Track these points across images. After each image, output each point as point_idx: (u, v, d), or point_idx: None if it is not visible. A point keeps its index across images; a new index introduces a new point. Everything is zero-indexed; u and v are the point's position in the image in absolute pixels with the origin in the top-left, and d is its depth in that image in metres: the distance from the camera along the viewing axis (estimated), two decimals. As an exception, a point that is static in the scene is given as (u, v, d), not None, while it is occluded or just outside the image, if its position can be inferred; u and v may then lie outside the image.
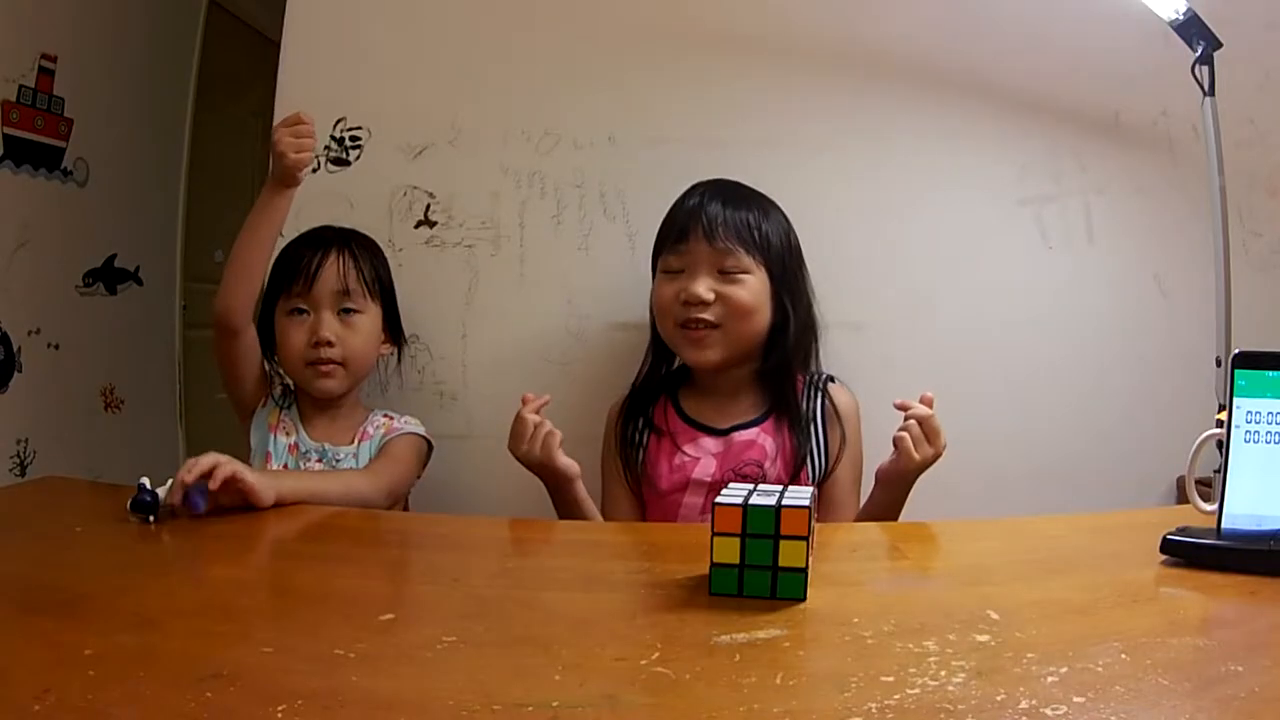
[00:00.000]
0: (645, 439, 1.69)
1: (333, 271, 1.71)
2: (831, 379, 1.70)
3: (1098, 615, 0.85)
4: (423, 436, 1.76)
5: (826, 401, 1.66)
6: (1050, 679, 0.69)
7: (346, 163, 2.06)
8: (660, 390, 1.73)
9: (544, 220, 2.03)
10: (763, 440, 1.63)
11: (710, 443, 1.64)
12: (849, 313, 1.91)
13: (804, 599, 0.89)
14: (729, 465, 1.62)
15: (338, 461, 1.71)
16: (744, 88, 2.01)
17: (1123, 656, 0.73)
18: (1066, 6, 2.01)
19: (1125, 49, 1.99)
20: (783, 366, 1.65)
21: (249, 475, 1.29)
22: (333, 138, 2.05)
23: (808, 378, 1.70)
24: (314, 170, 2.02)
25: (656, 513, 1.65)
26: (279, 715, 0.64)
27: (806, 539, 0.89)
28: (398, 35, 2.07)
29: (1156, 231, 2.04)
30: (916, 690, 0.68)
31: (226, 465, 1.27)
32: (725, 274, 1.59)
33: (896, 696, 0.67)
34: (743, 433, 1.64)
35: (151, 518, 1.23)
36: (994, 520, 1.25)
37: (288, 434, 1.73)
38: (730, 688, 0.69)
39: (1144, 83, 2.01)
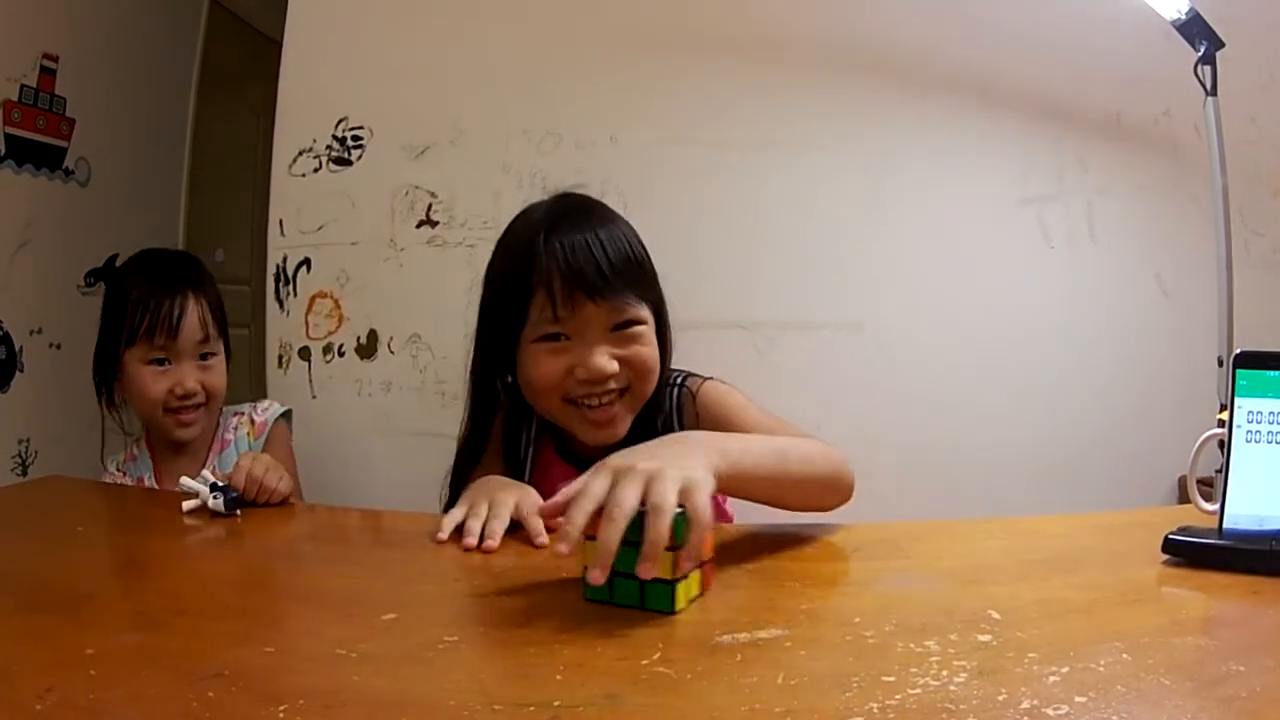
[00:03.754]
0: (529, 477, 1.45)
1: (194, 320, 1.71)
2: (686, 379, 1.47)
3: (1099, 615, 0.85)
4: (283, 414, 1.83)
5: (686, 403, 1.44)
6: (1052, 679, 0.69)
7: (348, 162, 2.06)
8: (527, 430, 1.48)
9: (545, 220, 2.02)
10: None
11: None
12: (849, 313, 1.91)
13: (672, 611, 0.85)
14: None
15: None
16: (745, 88, 2.01)
17: (1124, 656, 0.73)
18: (1068, 6, 2.01)
19: (1127, 49, 1.99)
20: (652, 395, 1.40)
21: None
22: (334, 137, 2.06)
23: (668, 385, 1.46)
24: (316, 171, 2.02)
25: None
26: (281, 715, 0.64)
27: (674, 549, 0.85)
28: (400, 35, 2.07)
29: (1158, 231, 2.04)
30: (918, 690, 0.68)
31: (285, 485, 1.34)
32: (619, 329, 1.33)
33: (898, 696, 0.67)
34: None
35: (238, 512, 1.26)
36: (995, 519, 1.25)
37: (138, 478, 1.75)
38: (731, 687, 0.69)
39: (1146, 83, 2.01)
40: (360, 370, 2.17)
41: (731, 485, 1.02)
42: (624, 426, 1.36)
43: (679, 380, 1.46)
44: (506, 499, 1.15)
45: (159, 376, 1.69)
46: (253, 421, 1.79)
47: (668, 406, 1.43)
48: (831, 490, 1.20)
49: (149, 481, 1.76)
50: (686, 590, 0.87)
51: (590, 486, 0.89)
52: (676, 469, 0.89)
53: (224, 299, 1.82)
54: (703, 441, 1.04)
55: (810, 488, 1.17)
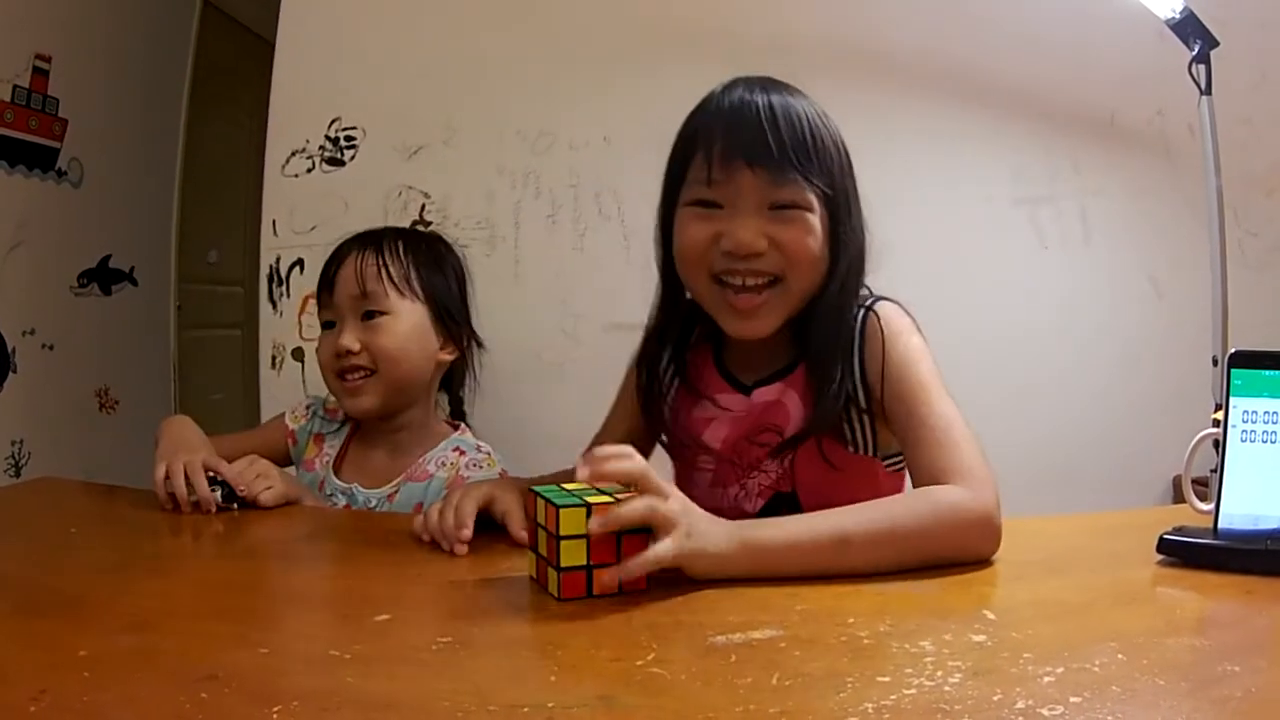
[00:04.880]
0: (673, 388, 1.36)
1: (349, 274, 1.53)
2: (875, 302, 1.28)
3: (1094, 615, 0.85)
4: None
5: (864, 329, 1.24)
6: (1047, 679, 0.69)
7: (341, 163, 2.06)
8: (691, 332, 1.36)
9: (539, 220, 2.03)
10: (787, 398, 1.26)
11: (733, 400, 1.30)
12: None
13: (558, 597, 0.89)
14: (742, 433, 1.28)
15: (370, 507, 1.54)
16: (740, 88, 2.01)
17: (1119, 656, 0.73)
18: (1062, 6, 2.01)
19: (1120, 48, 1.99)
20: (824, 311, 1.23)
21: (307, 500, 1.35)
22: (327, 138, 2.05)
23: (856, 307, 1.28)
24: (309, 171, 2.02)
25: (680, 475, 1.38)
26: (275, 716, 0.64)
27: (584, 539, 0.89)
28: (392, 35, 2.07)
29: (1152, 232, 2.05)
30: (913, 690, 0.68)
31: (269, 496, 1.31)
32: (778, 209, 1.19)
33: (893, 697, 0.67)
34: (765, 389, 1.28)
35: (235, 505, 1.28)
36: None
37: (318, 470, 1.61)
38: (726, 688, 0.69)
39: (1139, 82, 2.01)
40: (354, 371, 2.16)
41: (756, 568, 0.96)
42: (770, 322, 1.21)
43: (869, 304, 1.26)
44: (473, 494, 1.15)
45: (326, 339, 1.55)
46: (457, 475, 1.54)
47: (848, 334, 1.24)
48: (946, 552, 1.01)
49: (330, 450, 1.61)
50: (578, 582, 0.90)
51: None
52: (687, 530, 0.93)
53: (221, 300, 1.78)
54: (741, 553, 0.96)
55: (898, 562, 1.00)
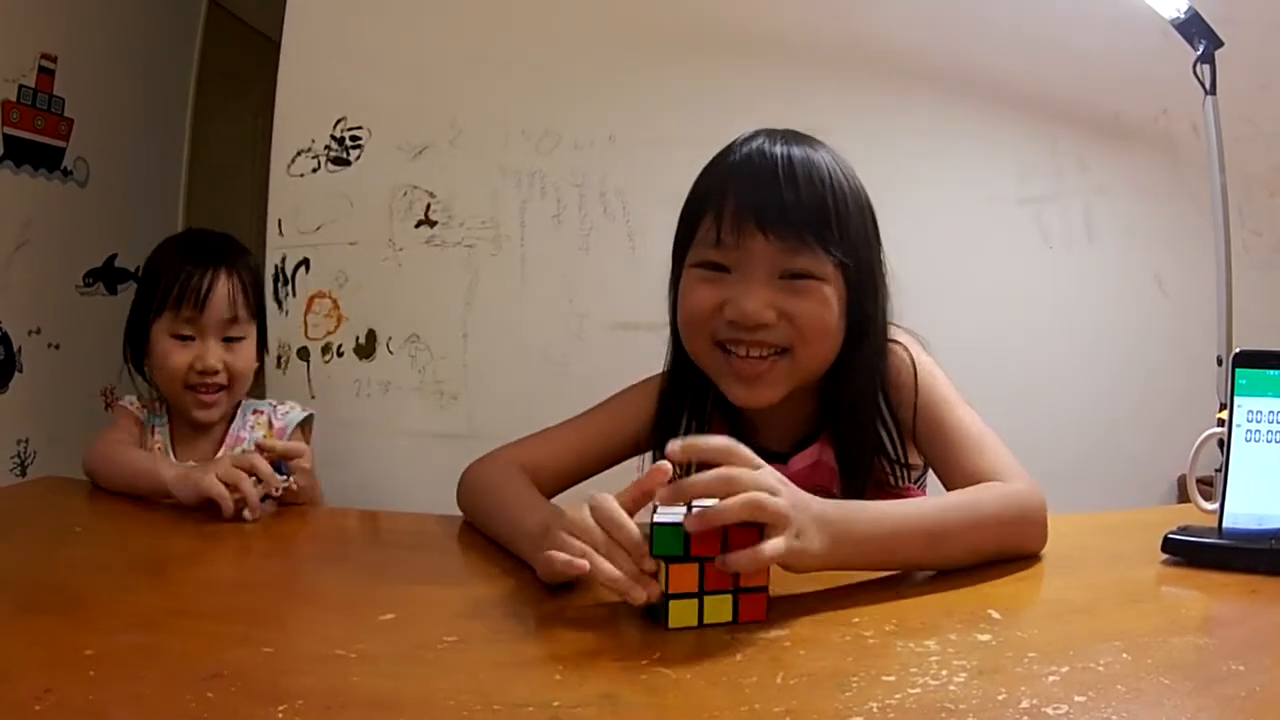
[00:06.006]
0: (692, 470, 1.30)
1: (223, 296, 1.66)
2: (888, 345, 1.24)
3: (1099, 614, 0.85)
4: (304, 419, 1.77)
5: (887, 372, 1.21)
6: (1051, 678, 0.69)
7: (346, 162, 2.06)
8: (706, 398, 1.28)
9: (544, 220, 2.03)
10: (825, 456, 1.23)
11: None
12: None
13: (664, 625, 0.81)
14: None
15: None
16: (743, 88, 2.01)
17: (1124, 656, 0.73)
18: (1067, 6, 2.01)
19: (1125, 48, 1.99)
20: (847, 384, 1.19)
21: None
22: (333, 137, 2.06)
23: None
24: (314, 171, 2.02)
25: None
26: (279, 715, 0.64)
27: (669, 559, 0.81)
28: (398, 35, 2.07)
29: (1157, 231, 2.04)
30: (918, 690, 0.68)
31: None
32: (791, 279, 1.11)
33: (898, 696, 0.67)
34: (802, 456, 1.24)
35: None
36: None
37: (152, 427, 1.72)
38: (731, 687, 0.69)
39: (1144, 82, 2.01)
40: (359, 370, 2.16)
41: (848, 563, 0.91)
42: (776, 391, 1.15)
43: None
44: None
45: (182, 350, 1.65)
46: (271, 424, 1.74)
47: (875, 393, 1.20)
48: (1014, 544, 1.02)
49: (161, 438, 1.71)
50: (688, 610, 0.82)
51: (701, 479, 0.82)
52: (793, 522, 0.83)
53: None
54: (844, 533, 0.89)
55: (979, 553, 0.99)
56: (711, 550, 0.81)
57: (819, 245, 1.09)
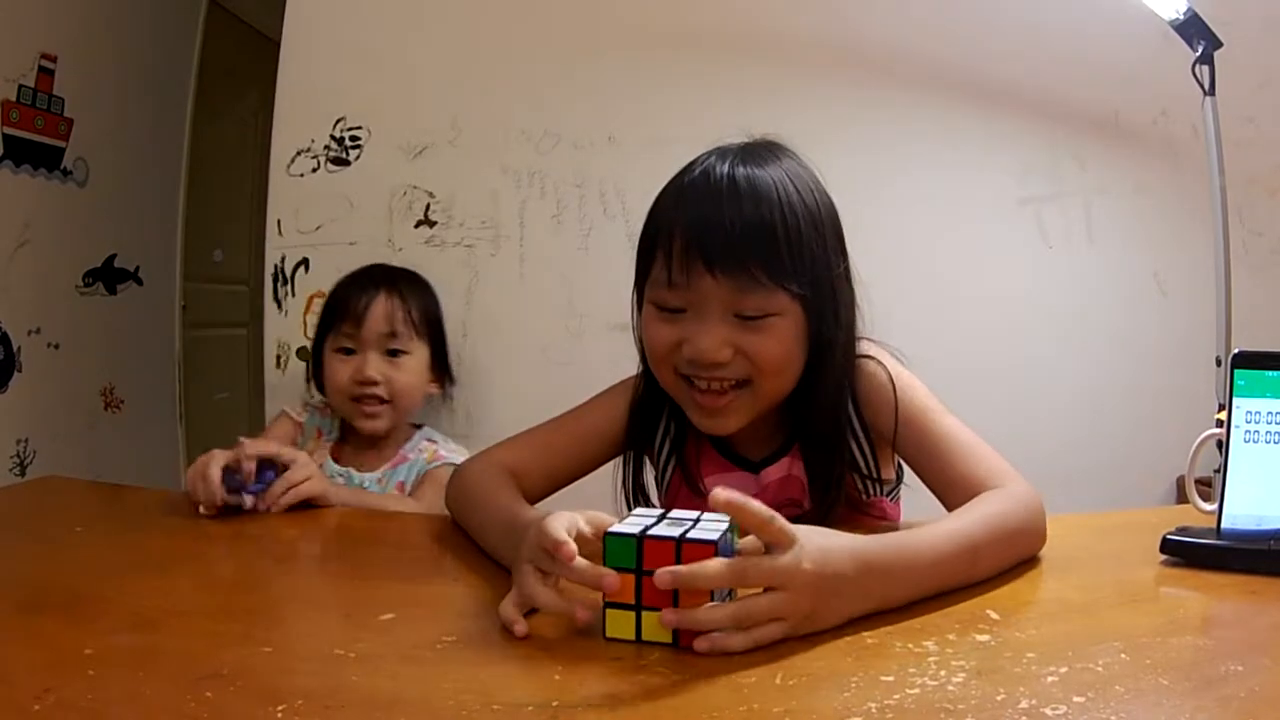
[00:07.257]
0: (670, 472, 1.31)
1: (380, 313, 1.76)
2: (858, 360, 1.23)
3: (1097, 615, 0.85)
4: (440, 465, 1.77)
5: (859, 386, 1.20)
6: (1050, 679, 0.69)
7: (346, 162, 2.06)
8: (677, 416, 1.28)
9: (544, 220, 2.03)
10: (796, 469, 1.23)
11: (740, 480, 1.23)
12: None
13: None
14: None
15: (362, 486, 1.75)
16: (744, 88, 2.01)
17: (1122, 656, 0.73)
18: (1066, 6, 2.01)
19: (1125, 49, 1.99)
20: (815, 403, 1.18)
21: (331, 495, 1.35)
22: (333, 137, 2.06)
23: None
24: (314, 170, 2.02)
25: None
26: (279, 715, 0.64)
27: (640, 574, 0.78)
28: (398, 35, 2.07)
29: (1156, 231, 2.05)
30: (916, 690, 0.68)
31: (315, 484, 1.32)
32: (746, 319, 1.09)
33: (896, 696, 0.67)
34: (772, 468, 1.24)
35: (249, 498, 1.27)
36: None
37: (316, 458, 1.74)
38: (730, 687, 0.69)
39: (1144, 82, 2.01)
40: (359, 370, 2.16)
41: None
42: (737, 420, 1.15)
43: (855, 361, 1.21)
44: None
45: (344, 363, 1.75)
46: (435, 454, 1.79)
47: (844, 407, 1.20)
48: (1030, 549, 1.02)
49: (326, 438, 1.81)
50: (624, 621, 0.80)
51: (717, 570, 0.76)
52: (818, 622, 0.79)
53: (226, 299, 1.83)
54: (882, 591, 0.85)
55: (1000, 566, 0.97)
56: (664, 566, 0.77)
57: (771, 280, 1.07)
